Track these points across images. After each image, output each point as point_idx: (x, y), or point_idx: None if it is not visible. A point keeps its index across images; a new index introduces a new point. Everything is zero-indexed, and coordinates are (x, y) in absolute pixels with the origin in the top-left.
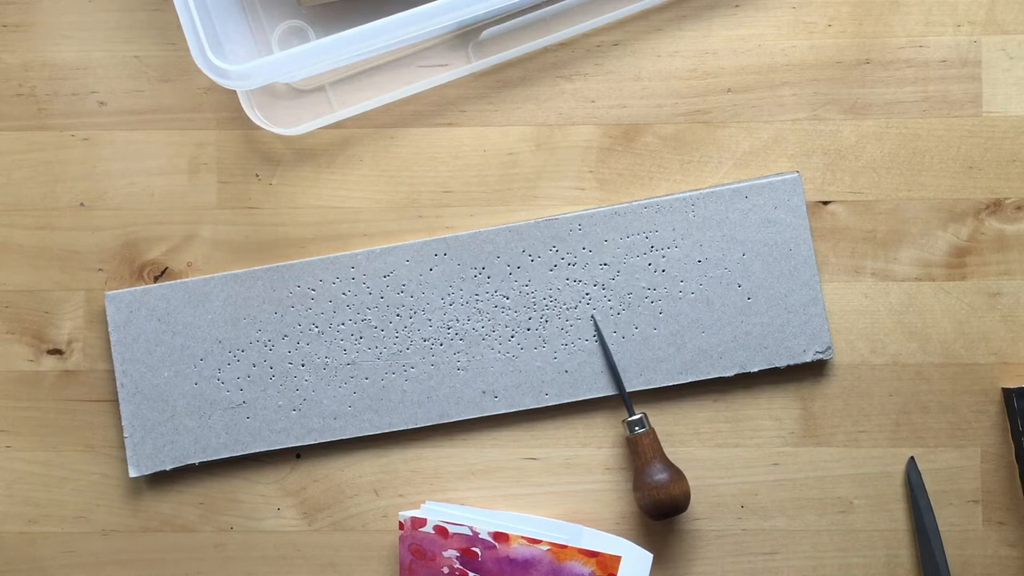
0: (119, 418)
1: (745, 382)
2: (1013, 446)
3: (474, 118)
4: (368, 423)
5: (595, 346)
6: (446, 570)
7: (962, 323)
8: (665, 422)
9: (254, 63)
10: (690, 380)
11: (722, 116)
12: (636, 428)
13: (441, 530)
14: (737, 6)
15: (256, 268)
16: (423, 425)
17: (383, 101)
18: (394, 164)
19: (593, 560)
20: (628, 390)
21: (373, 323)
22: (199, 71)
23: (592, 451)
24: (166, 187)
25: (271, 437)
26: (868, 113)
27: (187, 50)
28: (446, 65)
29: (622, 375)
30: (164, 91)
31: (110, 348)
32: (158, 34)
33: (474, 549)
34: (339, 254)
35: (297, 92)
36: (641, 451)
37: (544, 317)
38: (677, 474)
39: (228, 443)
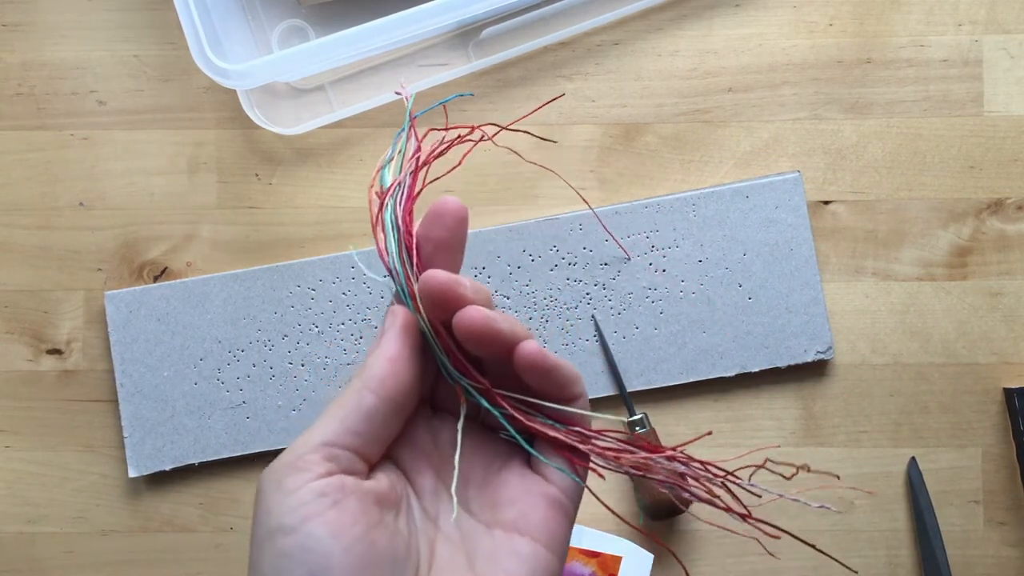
0: (119, 418)
1: (746, 382)
2: (1014, 446)
3: (474, 117)
4: None
5: (595, 346)
6: None
7: (963, 323)
8: (666, 422)
9: (254, 62)
10: (691, 380)
11: (723, 116)
12: (637, 428)
13: None
14: (738, 5)
15: (256, 268)
16: None
17: (383, 101)
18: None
19: (594, 560)
20: (628, 390)
21: (373, 323)
22: (199, 71)
23: None
24: (166, 187)
25: (271, 437)
26: (869, 113)
27: (187, 49)
28: (446, 64)
29: (622, 375)
30: (164, 91)
31: (110, 348)
32: (158, 34)
33: None
34: (339, 254)
35: (297, 91)
36: None
37: (544, 317)
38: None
39: (228, 443)
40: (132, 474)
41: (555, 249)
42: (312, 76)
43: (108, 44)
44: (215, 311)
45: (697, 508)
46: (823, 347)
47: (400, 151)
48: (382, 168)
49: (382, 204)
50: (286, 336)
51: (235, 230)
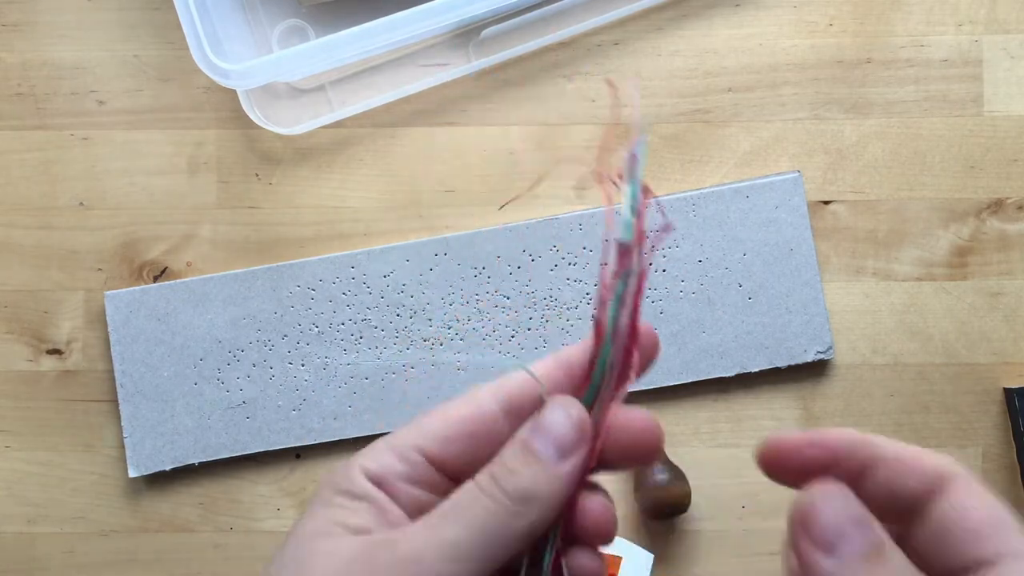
0: (119, 418)
1: (746, 382)
2: (1015, 446)
3: (475, 117)
4: (368, 423)
5: None
6: None
7: (963, 323)
8: (666, 422)
9: (254, 62)
10: (691, 380)
11: (723, 115)
12: None
13: None
14: (738, 5)
15: (256, 268)
16: None
17: (383, 100)
18: (394, 163)
19: None
20: (629, 390)
21: (373, 323)
22: (199, 70)
23: None
24: (166, 187)
25: (271, 437)
26: (869, 112)
27: (187, 49)
28: (446, 64)
29: None
30: (163, 91)
31: (109, 348)
32: (158, 33)
33: None
34: (339, 254)
35: (297, 91)
36: None
37: (544, 317)
38: (678, 474)
39: (228, 443)
40: (132, 474)
41: (555, 249)
42: (312, 76)
43: (108, 44)
44: (215, 311)
45: (697, 508)
46: (823, 347)
47: (633, 194)
48: (621, 229)
49: (603, 301)
50: (286, 336)
51: (235, 230)
